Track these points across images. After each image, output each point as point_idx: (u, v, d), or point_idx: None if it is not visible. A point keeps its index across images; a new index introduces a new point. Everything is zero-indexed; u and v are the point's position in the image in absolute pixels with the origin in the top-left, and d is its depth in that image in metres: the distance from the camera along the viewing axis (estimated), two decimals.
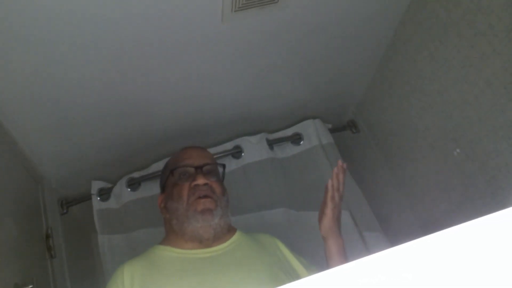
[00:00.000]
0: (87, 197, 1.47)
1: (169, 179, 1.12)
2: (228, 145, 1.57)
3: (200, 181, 1.04)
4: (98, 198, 1.46)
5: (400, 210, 1.51)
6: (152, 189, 1.48)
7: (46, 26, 0.92)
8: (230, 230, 1.08)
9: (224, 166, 1.16)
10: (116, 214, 1.45)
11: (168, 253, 1.01)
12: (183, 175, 1.08)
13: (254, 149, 1.55)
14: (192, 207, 1.01)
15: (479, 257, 0.36)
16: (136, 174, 1.51)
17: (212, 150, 1.54)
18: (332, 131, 1.66)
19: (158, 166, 1.47)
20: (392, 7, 1.21)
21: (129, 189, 1.48)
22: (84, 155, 1.41)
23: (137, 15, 0.97)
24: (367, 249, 1.38)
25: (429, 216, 1.38)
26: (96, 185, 1.48)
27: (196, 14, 1.02)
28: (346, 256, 1.02)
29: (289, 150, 1.61)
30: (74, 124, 1.26)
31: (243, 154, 1.55)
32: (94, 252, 1.65)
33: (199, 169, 1.07)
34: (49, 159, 1.35)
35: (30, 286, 0.99)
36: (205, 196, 1.03)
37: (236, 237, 1.07)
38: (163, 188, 1.17)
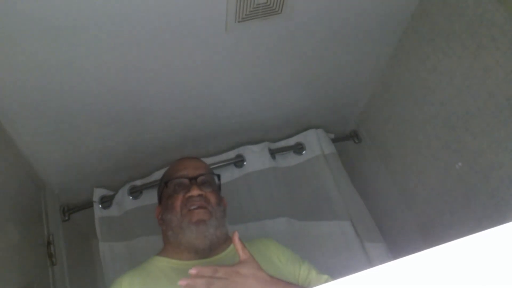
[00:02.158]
0: (88, 204, 1.47)
1: (164, 191, 1.12)
2: (230, 154, 1.57)
3: (194, 192, 1.03)
4: (100, 206, 1.46)
5: (402, 221, 1.51)
6: (154, 197, 1.47)
7: (50, 34, 0.93)
8: (227, 240, 1.07)
9: (219, 176, 1.16)
10: (117, 222, 1.45)
11: (165, 264, 1.01)
12: (178, 187, 1.08)
13: (256, 158, 1.55)
14: (186, 218, 1.01)
15: (483, 271, 0.36)
16: (138, 182, 1.51)
17: (214, 159, 1.54)
18: (335, 141, 1.66)
19: (160, 174, 1.46)
20: (396, 18, 1.22)
21: (131, 197, 1.48)
22: (86, 162, 1.41)
23: (140, 25, 0.98)
24: (369, 260, 1.37)
25: (431, 227, 1.37)
26: (98, 193, 1.48)
27: (200, 24, 1.03)
28: None
29: (292, 159, 1.61)
30: (77, 131, 1.27)
31: (245, 163, 1.55)
32: (95, 260, 1.65)
33: (193, 180, 1.07)
34: (51, 166, 1.36)
35: None
36: (199, 207, 1.03)
37: (233, 246, 1.06)
38: (160, 200, 1.17)
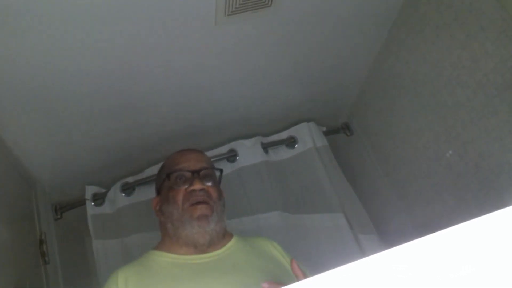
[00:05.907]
0: (81, 202, 1.47)
1: (165, 182, 1.11)
2: (223, 149, 1.57)
3: (197, 186, 1.03)
4: (92, 203, 1.45)
5: (394, 212, 1.52)
6: (147, 193, 1.47)
7: (42, 28, 0.92)
8: (226, 235, 1.07)
9: (221, 170, 1.16)
10: (110, 219, 1.45)
11: (162, 258, 1.01)
12: (180, 179, 1.07)
13: (249, 152, 1.55)
14: (188, 213, 1.01)
15: (474, 258, 0.36)
16: (130, 179, 1.51)
17: (206, 154, 1.54)
18: (326, 133, 1.66)
19: (153, 170, 1.47)
20: (385, 9, 1.22)
21: (123, 194, 1.48)
22: (78, 160, 1.40)
23: (131, 19, 0.97)
24: (362, 252, 1.38)
25: (423, 217, 1.38)
26: (90, 190, 1.47)
27: (190, 18, 1.02)
28: None
29: (284, 153, 1.62)
30: (68, 128, 1.26)
31: (237, 157, 1.55)
32: (89, 258, 1.64)
33: (196, 173, 1.06)
34: (42, 164, 1.35)
35: None
36: (202, 202, 1.02)
37: (232, 242, 1.06)
38: (158, 191, 1.16)
